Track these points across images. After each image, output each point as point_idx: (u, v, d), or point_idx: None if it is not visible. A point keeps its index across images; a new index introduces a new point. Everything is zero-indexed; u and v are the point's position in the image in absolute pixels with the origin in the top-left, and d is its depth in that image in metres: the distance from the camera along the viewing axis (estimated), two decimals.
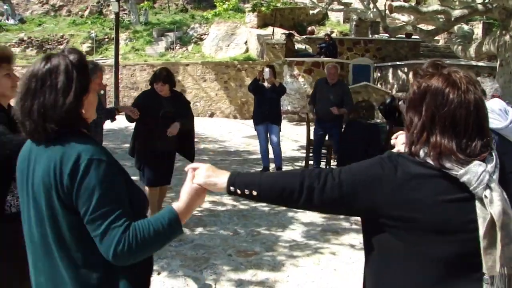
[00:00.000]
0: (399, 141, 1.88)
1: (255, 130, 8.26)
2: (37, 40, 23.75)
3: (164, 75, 5.26)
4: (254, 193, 1.57)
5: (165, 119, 5.10)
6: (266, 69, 7.90)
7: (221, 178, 1.62)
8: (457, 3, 9.28)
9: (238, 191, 1.59)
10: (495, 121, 3.47)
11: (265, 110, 7.82)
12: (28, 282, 2.39)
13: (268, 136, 8.02)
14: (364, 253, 1.64)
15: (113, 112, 5.13)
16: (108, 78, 18.48)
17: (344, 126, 7.84)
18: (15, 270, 2.44)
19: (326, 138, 8.20)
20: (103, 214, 1.55)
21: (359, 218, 1.61)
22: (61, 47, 23.50)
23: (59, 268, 1.65)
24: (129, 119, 5.14)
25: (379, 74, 16.81)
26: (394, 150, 1.77)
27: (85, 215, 1.56)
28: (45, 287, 1.70)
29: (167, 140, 5.12)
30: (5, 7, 26.02)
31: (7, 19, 25.87)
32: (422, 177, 1.43)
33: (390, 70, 14.13)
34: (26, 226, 1.74)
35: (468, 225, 1.39)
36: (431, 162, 1.43)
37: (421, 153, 1.45)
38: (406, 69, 13.51)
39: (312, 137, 8.32)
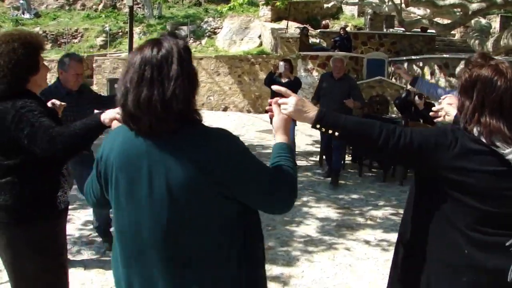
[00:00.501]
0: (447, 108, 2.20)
1: (271, 124, 8.15)
2: (52, 34, 23.91)
3: None
4: (336, 133, 1.80)
5: None
6: (281, 63, 7.87)
7: (311, 112, 1.79)
8: None
9: (323, 129, 1.81)
10: None
11: None
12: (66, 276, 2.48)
13: None
14: (410, 202, 1.99)
15: (114, 101, 4.95)
16: None
17: None
18: (55, 263, 2.48)
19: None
20: (269, 177, 1.59)
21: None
22: (76, 41, 23.66)
23: (199, 265, 1.56)
24: None
25: (393, 69, 16.65)
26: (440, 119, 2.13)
27: (258, 190, 1.57)
28: None
29: None
30: (21, 1, 26.24)
31: (23, 13, 26.09)
32: (475, 151, 1.73)
33: (405, 65, 13.95)
34: (132, 230, 1.57)
35: (505, 191, 1.72)
36: (483, 140, 1.72)
37: (475, 131, 1.74)
38: (421, 64, 13.35)
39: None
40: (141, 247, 1.56)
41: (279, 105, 1.81)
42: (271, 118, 1.87)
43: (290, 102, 1.78)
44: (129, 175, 1.55)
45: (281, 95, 1.88)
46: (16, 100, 2.26)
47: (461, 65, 3.94)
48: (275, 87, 1.89)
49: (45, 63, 2.56)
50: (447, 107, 2.45)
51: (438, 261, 1.84)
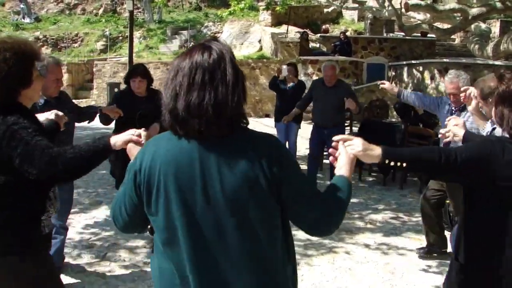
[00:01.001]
0: (454, 132, 2.38)
1: (275, 127, 7.99)
2: (52, 39, 23.97)
3: (142, 69, 4.80)
4: (404, 164, 2.01)
5: (142, 121, 4.16)
6: (284, 67, 7.86)
7: (376, 151, 1.98)
8: (474, 1, 9.16)
9: (392, 163, 2.00)
10: None
11: (285, 108, 7.67)
12: None
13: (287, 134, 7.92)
14: (464, 211, 2.16)
15: (92, 113, 4.38)
16: (122, 76, 18.55)
17: (359, 126, 7.75)
18: None
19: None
20: (321, 197, 1.66)
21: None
22: (76, 45, 23.71)
23: (266, 266, 1.59)
24: (104, 120, 4.49)
25: (393, 73, 16.65)
26: (449, 139, 2.32)
27: (301, 190, 1.61)
28: None
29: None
30: (22, 6, 26.32)
31: (23, 17, 26.17)
32: None
33: (405, 69, 13.97)
34: (202, 237, 1.54)
35: None
36: None
37: None
38: (421, 68, 13.36)
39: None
40: (198, 260, 1.55)
41: (344, 141, 1.92)
42: (332, 156, 1.92)
43: (356, 143, 1.92)
44: (180, 182, 1.52)
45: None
46: (6, 115, 2.09)
47: (453, 74, 4.15)
48: (337, 138, 1.96)
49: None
50: (454, 129, 2.66)
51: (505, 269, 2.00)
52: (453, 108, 4.34)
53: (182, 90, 1.50)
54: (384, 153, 1.98)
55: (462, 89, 3.05)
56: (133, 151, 1.95)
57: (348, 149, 1.88)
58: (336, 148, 1.90)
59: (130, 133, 2.07)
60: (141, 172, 1.57)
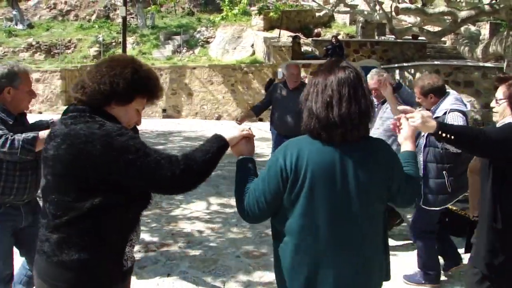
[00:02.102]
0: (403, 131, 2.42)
1: (270, 130, 7.17)
2: (45, 45, 23.94)
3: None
4: (453, 137, 2.35)
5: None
6: (279, 70, 7.93)
7: (432, 122, 2.30)
8: (463, 4, 9.27)
9: (443, 135, 2.33)
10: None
11: None
12: None
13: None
14: (492, 185, 2.57)
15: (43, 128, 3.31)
16: None
17: None
18: None
19: None
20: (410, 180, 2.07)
21: None
22: (69, 51, 23.69)
23: (378, 249, 1.97)
24: None
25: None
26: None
27: (402, 183, 1.99)
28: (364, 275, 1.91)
29: None
30: (14, 12, 26.28)
31: (16, 24, 26.12)
32: None
33: (397, 72, 14.08)
34: (328, 227, 1.85)
35: None
36: None
37: None
38: (412, 71, 13.47)
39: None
40: (334, 241, 1.87)
41: (406, 119, 2.20)
42: (394, 126, 2.26)
43: (416, 116, 2.21)
44: (324, 176, 1.83)
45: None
46: (102, 124, 1.85)
47: (374, 71, 4.91)
48: (401, 108, 2.34)
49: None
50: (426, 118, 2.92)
51: None
52: (375, 102, 4.88)
53: (334, 101, 1.84)
54: (438, 125, 2.33)
55: (377, 77, 3.94)
56: (241, 148, 2.07)
57: (410, 121, 2.19)
58: (399, 120, 2.22)
59: (240, 130, 2.08)
60: (287, 168, 1.85)
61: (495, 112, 2.88)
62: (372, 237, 1.92)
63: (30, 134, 2.77)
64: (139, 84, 1.96)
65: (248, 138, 2.10)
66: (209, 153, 1.92)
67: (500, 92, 2.70)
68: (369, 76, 4.81)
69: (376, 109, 4.89)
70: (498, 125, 2.72)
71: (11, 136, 2.72)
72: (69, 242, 1.85)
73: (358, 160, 1.86)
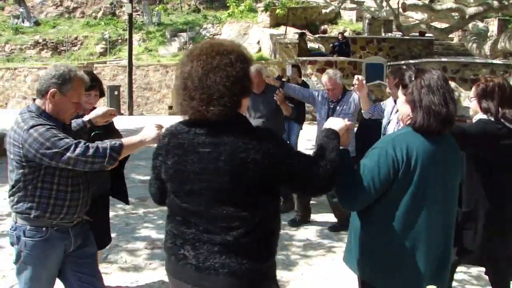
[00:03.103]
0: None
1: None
2: (52, 42, 24.03)
3: (90, 79, 3.23)
4: None
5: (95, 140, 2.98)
6: (288, 67, 7.86)
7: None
8: (471, 0, 9.19)
9: None
10: None
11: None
12: None
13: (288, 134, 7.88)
14: (469, 173, 2.94)
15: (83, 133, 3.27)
16: (122, 79, 18.61)
17: (357, 125, 7.76)
18: None
19: None
20: None
21: None
22: (75, 48, 23.77)
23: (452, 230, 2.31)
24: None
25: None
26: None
27: None
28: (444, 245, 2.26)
29: (97, 177, 3.21)
30: (21, 10, 26.39)
31: (23, 21, 26.23)
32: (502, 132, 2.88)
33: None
34: (438, 206, 2.18)
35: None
36: (506, 123, 2.88)
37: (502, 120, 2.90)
38: None
39: None
40: (435, 216, 2.18)
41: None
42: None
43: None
44: (429, 163, 2.14)
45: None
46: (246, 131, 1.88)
47: (331, 73, 5.34)
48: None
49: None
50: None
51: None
52: (329, 100, 5.30)
53: (447, 98, 2.15)
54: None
55: (358, 77, 4.34)
56: (343, 139, 2.18)
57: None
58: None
59: (346, 122, 2.23)
60: (397, 158, 2.12)
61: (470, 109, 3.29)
62: (454, 220, 2.29)
63: (116, 142, 2.46)
64: None
65: (348, 129, 2.27)
66: (332, 156, 1.99)
67: (472, 91, 3.08)
68: (327, 77, 5.20)
69: (332, 107, 5.28)
70: (473, 120, 3.10)
71: (91, 144, 2.42)
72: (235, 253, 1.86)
73: (444, 150, 2.20)
